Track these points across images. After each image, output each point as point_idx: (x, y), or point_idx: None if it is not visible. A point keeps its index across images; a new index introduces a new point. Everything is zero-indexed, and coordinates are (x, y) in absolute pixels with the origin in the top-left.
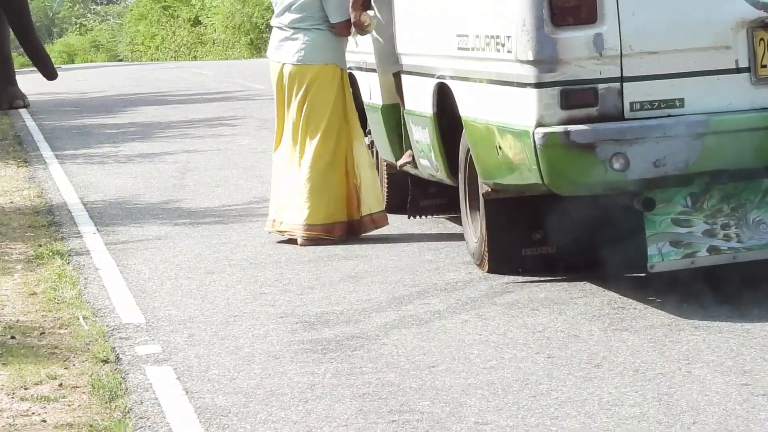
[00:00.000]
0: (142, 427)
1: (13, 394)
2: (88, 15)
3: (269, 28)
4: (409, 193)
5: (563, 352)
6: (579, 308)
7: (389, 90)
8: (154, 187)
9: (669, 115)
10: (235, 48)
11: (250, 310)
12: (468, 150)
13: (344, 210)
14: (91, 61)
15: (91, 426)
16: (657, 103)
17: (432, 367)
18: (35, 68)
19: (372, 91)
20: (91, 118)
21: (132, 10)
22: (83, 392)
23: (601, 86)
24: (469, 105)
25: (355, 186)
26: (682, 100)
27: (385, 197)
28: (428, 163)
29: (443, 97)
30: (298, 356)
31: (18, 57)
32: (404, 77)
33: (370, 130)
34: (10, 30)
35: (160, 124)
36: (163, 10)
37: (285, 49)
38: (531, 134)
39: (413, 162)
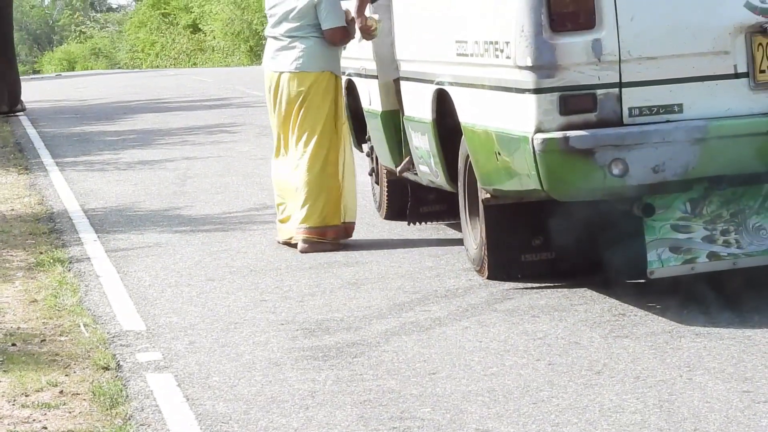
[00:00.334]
0: None
1: (14, 401)
2: (88, 22)
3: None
4: (409, 200)
5: (564, 359)
6: (579, 315)
7: (388, 96)
8: (155, 194)
9: (668, 121)
10: (234, 55)
11: (251, 317)
12: (467, 156)
13: (338, 214)
14: (91, 69)
15: None
16: (656, 109)
17: (433, 374)
18: (33, 76)
19: (371, 97)
20: (91, 126)
21: (132, 18)
22: (84, 399)
23: (599, 92)
24: (468, 111)
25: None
26: (680, 105)
27: (385, 203)
28: (428, 169)
29: (442, 103)
30: (299, 363)
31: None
32: (403, 83)
33: (369, 137)
34: None
35: (160, 131)
36: (163, 17)
37: (282, 58)
38: (530, 140)
39: (413, 168)
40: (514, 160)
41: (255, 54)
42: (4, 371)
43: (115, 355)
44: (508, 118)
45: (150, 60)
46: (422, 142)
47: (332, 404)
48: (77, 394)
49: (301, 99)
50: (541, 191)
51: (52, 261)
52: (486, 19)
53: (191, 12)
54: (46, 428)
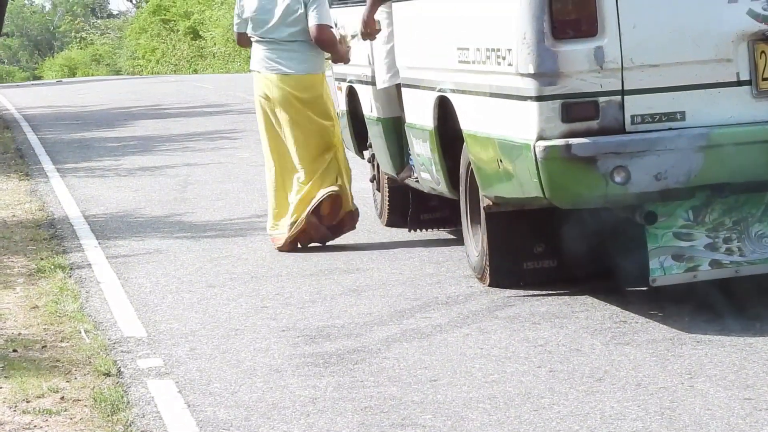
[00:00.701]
0: None
1: (15, 407)
2: (89, 29)
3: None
4: (410, 207)
5: (565, 366)
6: (581, 322)
7: (389, 103)
8: (155, 200)
9: (670, 128)
10: (235, 61)
11: (252, 323)
12: (469, 163)
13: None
14: (92, 75)
15: None
16: (658, 116)
17: (433, 381)
18: (34, 82)
19: (373, 104)
20: (92, 132)
21: (132, 24)
22: (85, 405)
23: (602, 99)
24: (469, 118)
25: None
26: (683, 113)
27: (387, 210)
28: (429, 176)
29: (444, 110)
30: (300, 370)
31: (19, 71)
32: (404, 90)
33: (370, 143)
34: None
35: (160, 137)
36: (163, 23)
37: (283, 62)
38: (532, 147)
39: (413, 175)
40: (516, 168)
41: None
42: (5, 377)
43: (116, 361)
44: (510, 126)
45: (151, 66)
46: (424, 149)
47: (333, 411)
48: (78, 400)
49: (310, 99)
50: (543, 199)
51: (53, 267)
52: (488, 26)
53: (191, 18)
54: None
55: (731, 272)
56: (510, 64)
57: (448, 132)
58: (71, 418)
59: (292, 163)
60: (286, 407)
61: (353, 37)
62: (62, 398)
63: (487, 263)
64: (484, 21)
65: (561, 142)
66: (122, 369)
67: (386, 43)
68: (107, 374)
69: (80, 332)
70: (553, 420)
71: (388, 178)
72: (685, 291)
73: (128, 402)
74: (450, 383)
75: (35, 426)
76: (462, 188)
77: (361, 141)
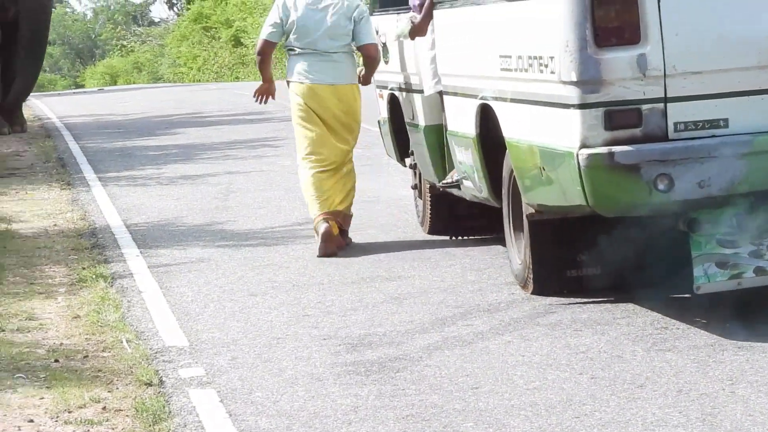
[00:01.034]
0: None
1: (57, 417)
2: (130, 37)
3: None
4: (452, 214)
5: (606, 372)
6: (622, 329)
7: (432, 110)
8: (197, 209)
9: (713, 136)
10: (276, 68)
11: (293, 332)
12: (511, 171)
13: None
14: (134, 83)
15: None
16: (701, 124)
17: (475, 389)
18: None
19: (414, 111)
20: (133, 140)
21: (173, 32)
22: (127, 415)
23: (644, 107)
24: (512, 126)
25: None
26: (726, 120)
27: (428, 218)
28: (471, 184)
29: (486, 118)
30: (341, 378)
31: (61, 79)
32: (447, 98)
33: (412, 151)
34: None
35: (202, 145)
36: (205, 31)
37: (333, 72)
38: (575, 155)
39: (456, 183)
40: (559, 176)
41: None
42: (47, 387)
43: (157, 370)
44: (553, 133)
45: (192, 74)
46: (466, 157)
47: (375, 419)
48: (120, 410)
49: (350, 107)
50: (586, 206)
51: (94, 277)
52: (530, 33)
53: (233, 26)
54: None
55: None
56: (552, 72)
57: (490, 139)
58: (113, 428)
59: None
60: (327, 416)
61: (399, 36)
62: (104, 408)
63: (530, 271)
64: (526, 28)
65: (604, 149)
66: (164, 378)
67: (431, 49)
68: (149, 384)
69: (122, 342)
70: (594, 427)
71: (429, 185)
72: (726, 297)
73: (170, 412)
74: (491, 391)
75: None
76: (504, 196)
77: (402, 148)
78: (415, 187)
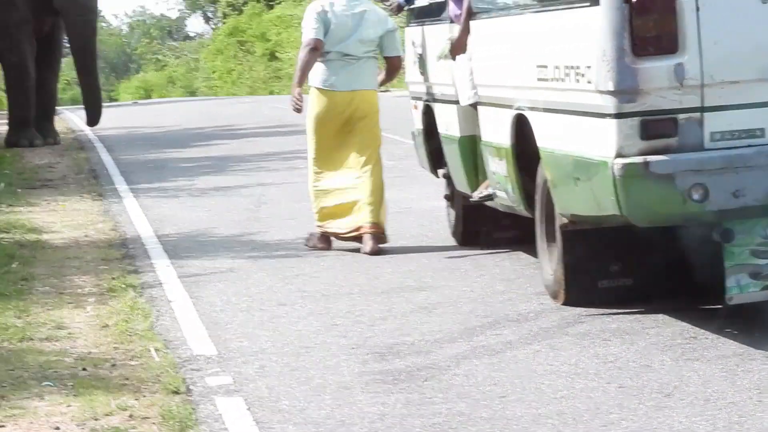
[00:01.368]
0: None
1: (84, 424)
2: (165, 51)
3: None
4: (483, 225)
5: (634, 381)
6: (651, 338)
7: (466, 121)
8: (228, 220)
9: (749, 146)
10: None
11: (322, 341)
12: (545, 181)
13: None
14: (168, 97)
15: None
16: (737, 133)
17: (502, 397)
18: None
19: (449, 123)
20: (166, 152)
21: (209, 46)
22: (153, 423)
23: (681, 116)
24: (547, 136)
25: None
26: (762, 130)
27: (461, 228)
28: (505, 194)
29: (521, 128)
30: (369, 387)
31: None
32: (481, 108)
33: (446, 161)
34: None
35: (234, 157)
36: (240, 45)
37: (359, 78)
38: (610, 165)
39: (490, 196)
40: (594, 186)
41: None
42: (75, 395)
43: (185, 379)
44: (588, 143)
45: (226, 88)
46: (500, 168)
47: (402, 427)
48: (147, 418)
49: (372, 113)
50: (620, 216)
51: (124, 286)
52: (567, 43)
53: (268, 40)
54: None
55: None
56: (589, 81)
57: (524, 150)
58: None
59: (344, 168)
60: (354, 424)
61: (440, 57)
62: (130, 416)
63: (563, 282)
64: (563, 38)
65: (639, 159)
66: (191, 387)
67: (469, 60)
68: (176, 392)
69: (150, 351)
70: None
71: (463, 196)
72: (756, 307)
73: (196, 419)
74: (519, 399)
75: None
76: (538, 206)
77: (435, 159)
78: (447, 198)
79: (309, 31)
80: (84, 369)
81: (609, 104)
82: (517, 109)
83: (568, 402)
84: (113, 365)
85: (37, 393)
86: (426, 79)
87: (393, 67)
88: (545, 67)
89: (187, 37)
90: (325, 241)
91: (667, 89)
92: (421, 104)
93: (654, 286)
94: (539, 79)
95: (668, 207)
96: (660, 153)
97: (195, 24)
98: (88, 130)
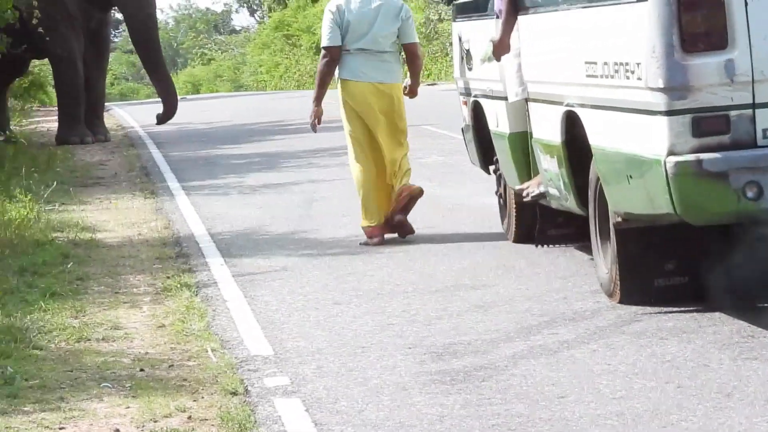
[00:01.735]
0: None
1: (143, 426)
2: (212, 45)
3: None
4: (538, 222)
5: (693, 381)
6: (708, 337)
7: (517, 117)
8: (281, 217)
9: None
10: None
11: (378, 341)
12: (598, 179)
13: None
14: (216, 92)
15: None
16: None
17: (561, 398)
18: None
19: (499, 119)
20: (216, 149)
21: (255, 40)
22: (212, 425)
23: (733, 113)
24: (598, 133)
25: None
26: None
27: (514, 226)
28: (557, 192)
29: (572, 125)
30: (427, 387)
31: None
32: (532, 105)
33: (497, 158)
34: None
35: (285, 153)
36: (286, 39)
37: (383, 71)
38: (662, 163)
39: (542, 191)
40: (646, 184)
41: None
42: (133, 396)
43: (243, 380)
44: (640, 141)
45: (274, 82)
46: (551, 165)
47: (461, 429)
48: (205, 419)
49: (399, 103)
50: (674, 215)
51: (179, 286)
52: (616, 39)
53: (314, 33)
54: None
55: None
56: (639, 78)
57: (576, 147)
58: None
59: (382, 159)
60: (413, 425)
61: (484, 60)
62: (189, 417)
63: (617, 280)
64: (612, 34)
65: (692, 157)
66: (249, 388)
67: (517, 56)
68: (234, 393)
69: (207, 351)
70: None
71: (515, 193)
72: None
73: (255, 421)
74: (577, 400)
75: None
76: (591, 204)
77: (486, 156)
78: (499, 195)
79: (325, 38)
80: (141, 370)
81: (660, 101)
82: (567, 105)
83: (627, 402)
84: (171, 366)
85: (96, 394)
86: (474, 75)
87: (411, 54)
88: (594, 63)
89: (233, 31)
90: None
91: (717, 86)
92: (470, 100)
93: (710, 285)
94: (588, 76)
95: (722, 205)
96: (713, 150)
97: (241, 18)
98: (137, 126)
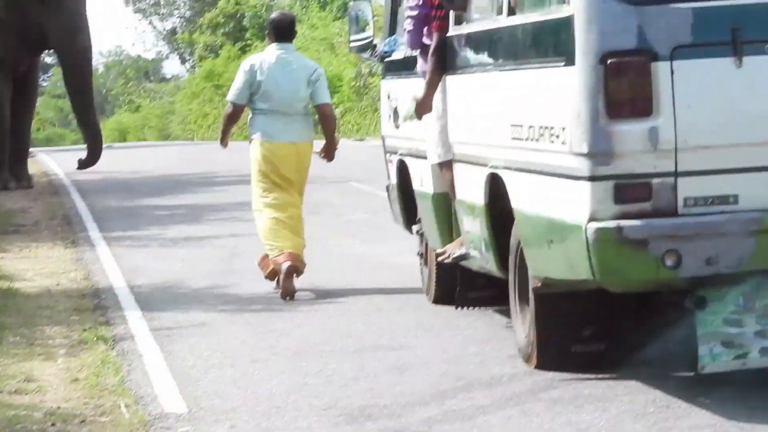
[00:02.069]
0: None
1: None
2: (141, 92)
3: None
4: (458, 284)
5: None
6: (624, 406)
7: (440, 178)
8: (202, 271)
9: (723, 212)
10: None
11: (293, 401)
12: (519, 242)
13: None
14: (144, 140)
15: None
16: (711, 199)
17: None
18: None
19: (423, 178)
20: (140, 199)
21: (184, 89)
22: None
23: (655, 181)
24: (521, 196)
25: None
26: (736, 196)
27: (434, 286)
28: (478, 254)
29: (495, 187)
30: None
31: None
32: (456, 166)
33: (419, 218)
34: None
35: (209, 206)
36: (216, 89)
37: (294, 131)
38: (583, 229)
39: (463, 253)
40: (567, 249)
41: None
42: None
43: None
44: (562, 206)
45: (202, 132)
46: (473, 227)
47: None
48: None
49: (305, 162)
50: (594, 281)
51: (95, 339)
52: (542, 103)
53: None
54: None
55: None
56: (564, 143)
57: (499, 209)
58: None
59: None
60: None
61: (407, 118)
62: None
63: (535, 345)
64: (538, 98)
65: (613, 223)
66: None
67: (440, 118)
68: None
69: (120, 407)
70: None
71: (436, 254)
72: (730, 377)
73: None
74: None
75: None
76: (511, 267)
77: (409, 215)
78: (421, 255)
79: (232, 93)
80: (53, 425)
81: (583, 167)
82: (491, 167)
83: None
84: (83, 421)
85: None
86: (400, 134)
87: (324, 115)
88: (520, 126)
89: (164, 79)
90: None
91: (641, 153)
92: (395, 158)
93: (626, 352)
94: (514, 138)
95: (641, 273)
96: (634, 217)
97: (171, 66)
98: (62, 173)
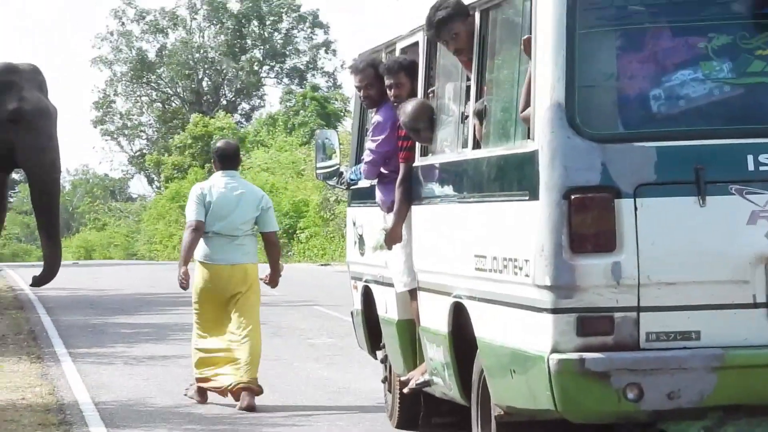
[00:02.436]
0: None
1: None
2: (107, 211)
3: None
4: (422, 410)
5: None
6: None
7: (405, 306)
8: (166, 390)
9: (684, 347)
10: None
11: None
12: (482, 371)
13: None
14: (109, 258)
15: None
16: (673, 335)
17: None
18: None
19: (388, 305)
20: (106, 317)
21: (150, 209)
22: None
23: (617, 315)
24: (484, 326)
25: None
26: (698, 332)
27: (397, 412)
28: (441, 381)
29: (459, 316)
30: None
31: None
32: (421, 294)
33: (384, 344)
34: None
35: (173, 325)
36: (181, 210)
37: (238, 252)
38: (546, 360)
39: (426, 380)
40: (529, 379)
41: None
42: None
43: None
44: (525, 336)
45: (167, 252)
46: (437, 354)
47: None
48: None
49: (250, 284)
50: (555, 411)
51: None
52: (506, 235)
53: None
54: None
55: None
56: (527, 275)
57: (462, 338)
58: None
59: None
60: None
61: (376, 249)
62: None
63: None
64: (502, 230)
65: (575, 356)
66: None
67: (405, 246)
68: None
69: None
70: None
71: (399, 380)
72: None
73: None
74: None
75: None
76: (474, 395)
77: (374, 341)
78: (385, 380)
79: (190, 213)
80: None
81: (546, 299)
82: (455, 297)
83: None
84: None
85: None
86: (366, 260)
87: (269, 242)
88: (484, 257)
89: (130, 199)
90: (202, 394)
91: (603, 287)
92: (360, 284)
93: None
94: (477, 269)
95: (603, 405)
96: (596, 350)
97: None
98: (27, 289)
